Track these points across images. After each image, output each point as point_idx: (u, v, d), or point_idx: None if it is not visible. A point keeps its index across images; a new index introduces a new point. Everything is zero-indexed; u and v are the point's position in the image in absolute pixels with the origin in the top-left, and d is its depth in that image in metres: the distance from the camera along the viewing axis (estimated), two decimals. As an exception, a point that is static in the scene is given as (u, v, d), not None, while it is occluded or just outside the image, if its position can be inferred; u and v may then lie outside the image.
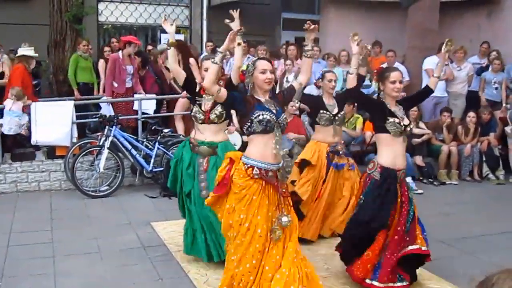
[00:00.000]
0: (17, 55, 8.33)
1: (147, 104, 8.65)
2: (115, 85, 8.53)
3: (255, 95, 3.85)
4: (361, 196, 4.38)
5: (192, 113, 4.84)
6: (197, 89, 4.85)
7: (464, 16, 11.58)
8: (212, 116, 4.74)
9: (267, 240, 3.66)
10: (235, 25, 3.87)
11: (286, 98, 4.15)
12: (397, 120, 4.22)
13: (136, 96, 8.58)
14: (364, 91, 5.28)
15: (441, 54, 4.72)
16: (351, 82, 4.50)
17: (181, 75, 4.86)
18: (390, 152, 4.27)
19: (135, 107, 8.52)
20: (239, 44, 3.87)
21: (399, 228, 4.20)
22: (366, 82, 9.00)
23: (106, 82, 8.64)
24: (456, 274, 4.64)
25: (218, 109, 4.73)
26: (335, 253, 5.02)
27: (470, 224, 6.28)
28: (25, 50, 8.27)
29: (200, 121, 4.79)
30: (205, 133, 4.80)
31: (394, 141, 4.25)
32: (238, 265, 3.66)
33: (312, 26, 4.10)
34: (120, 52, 8.65)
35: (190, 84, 4.90)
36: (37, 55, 8.48)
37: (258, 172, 3.66)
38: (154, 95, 8.85)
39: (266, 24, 13.26)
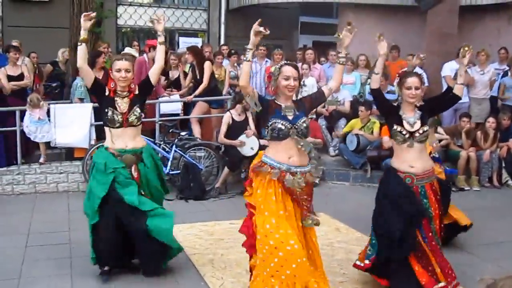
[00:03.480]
0: (122, 52, 8.73)
1: (172, 107, 8.73)
2: None
3: (277, 99, 3.88)
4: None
5: (107, 117, 4.44)
6: (107, 93, 4.51)
7: (483, 20, 11.47)
8: (131, 118, 4.45)
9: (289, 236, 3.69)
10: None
11: (314, 103, 4.14)
12: (399, 128, 4.21)
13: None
14: (389, 97, 5.20)
15: (460, 60, 4.65)
16: (376, 83, 4.46)
17: (90, 77, 4.48)
18: (398, 158, 4.31)
19: (161, 111, 8.61)
20: (259, 32, 3.67)
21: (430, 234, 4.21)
22: (390, 87, 8.99)
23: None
24: (474, 281, 4.57)
25: (137, 110, 4.48)
26: (351, 258, 5.00)
27: (490, 231, 6.19)
28: (129, 50, 8.69)
29: (117, 125, 4.43)
30: (124, 139, 4.46)
31: (399, 147, 4.27)
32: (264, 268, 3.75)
33: (351, 28, 4.00)
34: (145, 55, 8.74)
35: (99, 88, 4.55)
36: (137, 55, 8.78)
37: (261, 164, 3.80)
38: (174, 98, 8.89)
39: (284, 28, 13.26)
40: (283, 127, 3.75)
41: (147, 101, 8.25)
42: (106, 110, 4.44)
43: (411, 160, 4.22)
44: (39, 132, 7.77)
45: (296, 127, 3.78)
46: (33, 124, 7.74)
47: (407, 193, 4.17)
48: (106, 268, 4.61)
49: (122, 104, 4.47)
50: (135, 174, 4.50)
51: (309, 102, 4.03)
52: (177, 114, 8.86)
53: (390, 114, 4.40)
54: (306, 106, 3.97)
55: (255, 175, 3.86)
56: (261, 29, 3.64)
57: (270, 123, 3.78)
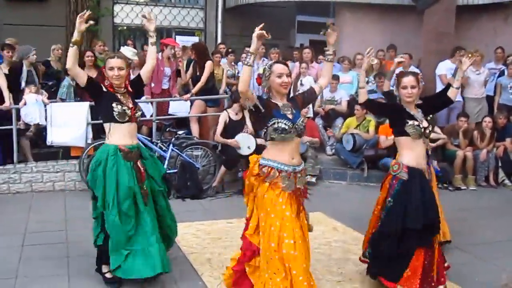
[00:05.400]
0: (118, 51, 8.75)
1: (181, 106, 8.73)
2: (152, 84, 8.60)
3: (272, 99, 3.85)
4: (389, 199, 4.25)
5: (116, 112, 4.29)
6: (105, 89, 4.40)
7: (480, 20, 11.48)
8: (138, 113, 4.49)
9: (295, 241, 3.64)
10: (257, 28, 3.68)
11: (306, 101, 4.12)
12: (416, 123, 4.19)
13: (143, 98, 8.56)
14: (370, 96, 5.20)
15: (459, 65, 4.65)
16: (363, 97, 4.52)
17: (82, 77, 4.31)
18: (412, 154, 4.23)
19: (170, 110, 8.67)
20: (262, 36, 3.62)
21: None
22: (372, 87, 9.02)
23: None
24: (471, 281, 4.59)
25: (139, 108, 4.56)
26: (348, 257, 5.00)
27: (486, 230, 6.22)
28: (126, 50, 8.58)
29: (126, 119, 4.33)
30: (130, 135, 4.41)
31: (414, 143, 4.21)
32: (267, 268, 3.70)
33: (334, 28, 4.02)
34: (160, 53, 8.75)
35: (95, 86, 4.40)
36: (136, 58, 8.66)
37: (268, 170, 3.72)
38: (176, 97, 8.87)
39: (281, 27, 13.24)
40: (286, 127, 3.69)
41: (158, 100, 8.35)
42: (112, 105, 4.30)
43: (423, 156, 4.26)
44: (39, 114, 7.74)
45: (296, 126, 3.76)
46: (33, 106, 7.72)
47: (431, 200, 4.18)
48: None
49: (125, 99, 4.41)
50: (142, 169, 4.44)
51: (300, 100, 4.02)
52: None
53: (394, 112, 4.39)
54: (299, 105, 3.96)
55: (260, 181, 3.76)
56: (264, 32, 3.61)
57: (271, 123, 3.70)
